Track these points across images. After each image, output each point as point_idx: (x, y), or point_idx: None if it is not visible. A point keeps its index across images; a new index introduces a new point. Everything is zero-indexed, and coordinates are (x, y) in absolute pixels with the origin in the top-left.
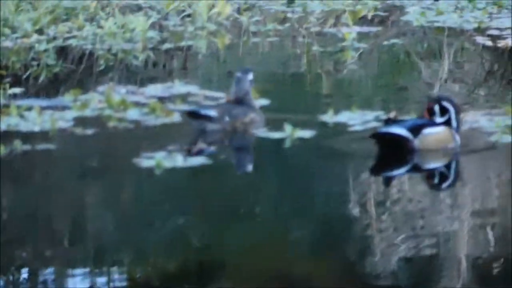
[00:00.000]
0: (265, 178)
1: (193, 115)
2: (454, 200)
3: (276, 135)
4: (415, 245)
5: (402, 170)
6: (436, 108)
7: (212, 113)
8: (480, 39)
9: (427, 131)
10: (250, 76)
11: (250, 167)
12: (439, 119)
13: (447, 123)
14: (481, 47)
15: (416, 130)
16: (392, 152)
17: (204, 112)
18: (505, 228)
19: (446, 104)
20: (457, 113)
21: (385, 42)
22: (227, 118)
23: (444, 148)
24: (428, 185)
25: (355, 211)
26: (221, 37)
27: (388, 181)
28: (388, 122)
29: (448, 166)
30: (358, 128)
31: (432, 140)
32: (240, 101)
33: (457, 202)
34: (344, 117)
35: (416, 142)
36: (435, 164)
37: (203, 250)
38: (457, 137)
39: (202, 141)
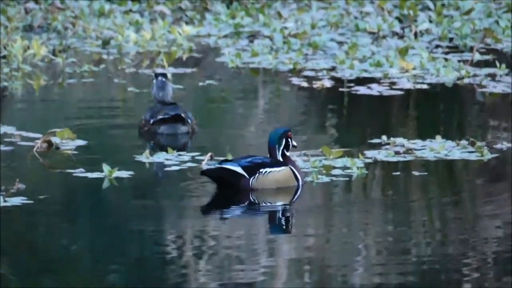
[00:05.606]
0: (81, 219)
1: (176, 117)
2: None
3: (93, 175)
4: None
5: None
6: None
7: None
8: (295, 80)
9: (265, 170)
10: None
11: (69, 207)
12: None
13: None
14: (297, 88)
15: (252, 169)
16: (225, 190)
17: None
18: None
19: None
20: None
21: (201, 84)
22: (188, 121)
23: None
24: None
25: (175, 253)
26: (36, 79)
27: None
28: (222, 161)
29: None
30: (175, 168)
31: (270, 179)
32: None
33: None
34: (160, 157)
35: (253, 181)
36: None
37: None
38: (300, 176)
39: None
